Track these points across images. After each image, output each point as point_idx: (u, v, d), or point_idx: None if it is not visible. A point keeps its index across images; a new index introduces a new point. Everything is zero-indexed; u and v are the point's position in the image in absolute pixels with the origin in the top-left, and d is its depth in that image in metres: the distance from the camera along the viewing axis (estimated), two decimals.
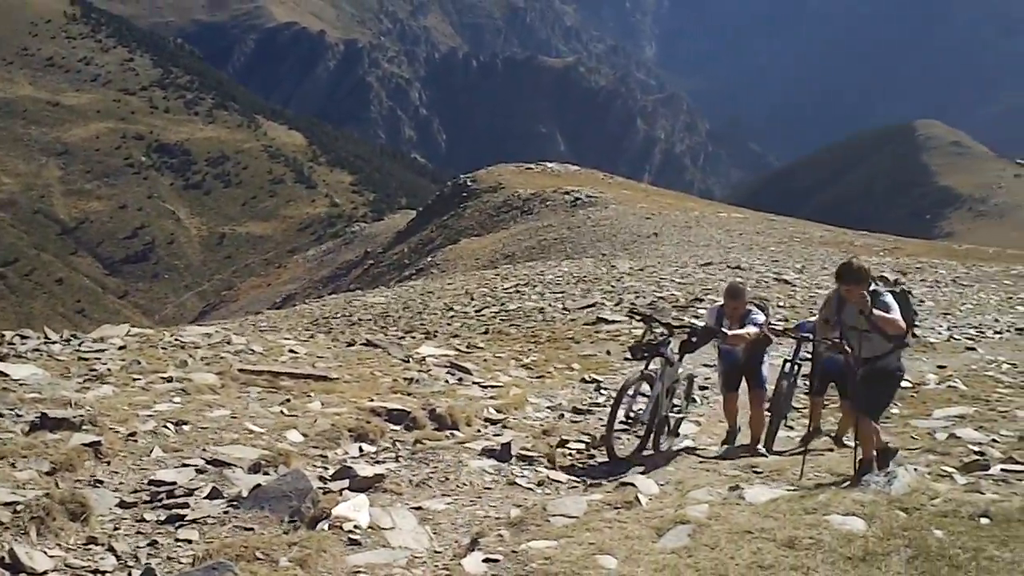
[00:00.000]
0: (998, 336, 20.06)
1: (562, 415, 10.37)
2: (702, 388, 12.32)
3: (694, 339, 9.05)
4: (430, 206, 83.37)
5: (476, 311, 24.09)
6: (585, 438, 9.05)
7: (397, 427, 8.54)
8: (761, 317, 9.51)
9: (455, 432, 8.71)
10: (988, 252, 53.74)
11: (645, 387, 8.79)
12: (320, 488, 6.20)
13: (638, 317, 9.44)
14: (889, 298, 7.89)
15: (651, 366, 8.76)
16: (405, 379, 11.67)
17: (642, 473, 7.64)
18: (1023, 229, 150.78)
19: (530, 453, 8.00)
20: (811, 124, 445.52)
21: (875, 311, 7.60)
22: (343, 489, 6.33)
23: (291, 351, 12.97)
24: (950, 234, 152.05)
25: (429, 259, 55.92)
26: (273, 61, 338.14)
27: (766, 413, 10.15)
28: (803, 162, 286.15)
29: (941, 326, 21.47)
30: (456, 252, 54.10)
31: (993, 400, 12.78)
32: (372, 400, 9.45)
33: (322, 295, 57.41)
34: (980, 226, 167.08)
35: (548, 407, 10.78)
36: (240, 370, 10.43)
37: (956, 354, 17.43)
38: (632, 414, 8.73)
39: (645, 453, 8.73)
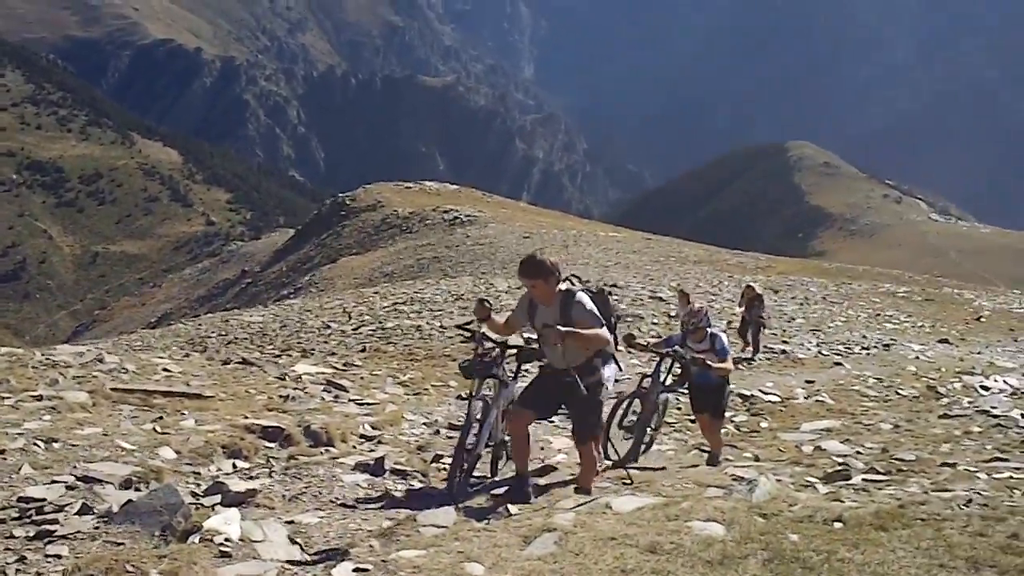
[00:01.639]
0: (865, 352, 20.82)
1: (438, 431, 10.46)
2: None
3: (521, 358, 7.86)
4: (308, 225, 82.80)
5: (354, 329, 24.06)
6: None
7: (271, 444, 8.54)
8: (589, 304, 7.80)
9: (330, 448, 8.75)
10: (858, 270, 55.65)
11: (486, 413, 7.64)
12: (192, 503, 6.22)
13: (466, 332, 8.29)
14: (585, 298, 7.00)
15: (484, 390, 7.73)
16: (280, 397, 11.63)
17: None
18: (892, 248, 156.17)
19: (404, 468, 8.12)
20: (684, 142, 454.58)
21: (570, 332, 6.66)
22: (215, 504, 6.35)
23: (165, 370, 12.81)
24: (822, 252, 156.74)
25: (308, 278, 55.49)
26: (148, 78, 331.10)
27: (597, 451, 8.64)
28: (678, 181, 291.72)
29: (810, 342, 22.21)
30: (335, 271, 53.80)
31: (859, 413, 13.34)
32: (247, 417, 9.43)
33: (198, 314, 56.46)
34: (850, 244, 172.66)
35: (424, 423, 10.86)
36: (112, 388, 10.30)
37: (824, 369, 18.07)
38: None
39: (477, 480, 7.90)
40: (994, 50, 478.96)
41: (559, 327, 6.77)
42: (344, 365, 16.68)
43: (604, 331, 7.06)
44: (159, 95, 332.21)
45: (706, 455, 10.52)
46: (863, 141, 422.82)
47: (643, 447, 10.27)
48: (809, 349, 21.03)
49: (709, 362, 9.72)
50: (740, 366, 18.60)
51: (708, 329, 10.17)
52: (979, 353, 21.38)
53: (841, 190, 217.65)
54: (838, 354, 20.29)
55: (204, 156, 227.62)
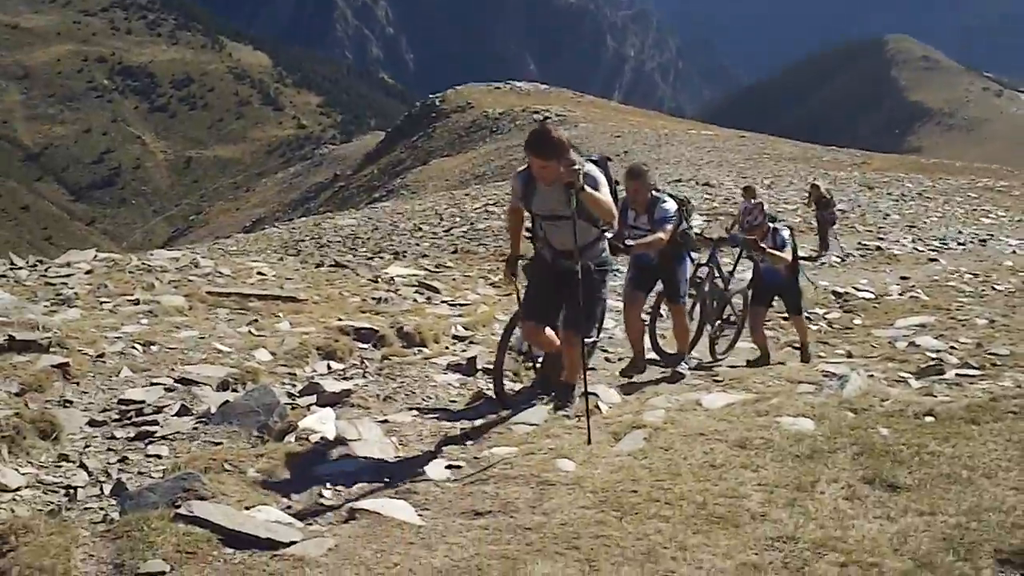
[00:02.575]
0: (961, 248, 20.43)
1: None
2: None
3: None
4: (399, 127, 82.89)
5: (445, 231, 24.16)
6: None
7: (365, 345, 8.62)
8: (672, 206, 7.92)
9: (423, 349, 8.80)
10: (955, 166, 54.07)
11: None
12: (288, 404, 6.30)
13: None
14: (596, 171, 6.18)
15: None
16: (373, 299, 11.75)
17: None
18: (991, 143, 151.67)
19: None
20: (780, 38, 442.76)
21: (587, 188, 5.86)
22: (311, 404, 6.43)
23: (259, 273, 12.99)
24: (919, 148, 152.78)
25: (399, 180, 55.75)
26: None
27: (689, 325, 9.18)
28: (774, 79, 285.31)
29: (906, 238, 21.83)
30: (426, 173, 53.95)
31: (954, 309, 13.07)
32: (340, 320, 9.53)
33: (292, 218, 57.24)
34: (949, 140, 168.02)
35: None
36: (208, 292, 10.48)
37: (919, 265, 17.76)
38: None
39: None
40: None
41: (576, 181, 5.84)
42: (436, 267, 16.77)
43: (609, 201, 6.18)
44: None
45: (798, 351, 10.41)
46: (967, 35, 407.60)
47: (719, 343, 10.14)
48: (904, 245, 20.67)
49: (763, 245, 9.35)
50: (818, 263, 18.41)
51: (770, 225, 9.59)
52: None
53: (940, 85, 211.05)
54: (934, 250, 19.94)
55: (294, 59, 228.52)
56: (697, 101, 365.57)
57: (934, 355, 9.83)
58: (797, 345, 10.49)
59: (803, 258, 17.18)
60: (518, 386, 7.30)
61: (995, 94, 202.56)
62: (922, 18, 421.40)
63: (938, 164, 55.27)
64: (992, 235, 22.57)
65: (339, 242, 24.88)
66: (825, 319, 13.01)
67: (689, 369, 8.56)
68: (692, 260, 8.70)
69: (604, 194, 6.02)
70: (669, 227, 7.70)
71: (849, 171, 41.41)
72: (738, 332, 10.45)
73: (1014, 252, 19.40)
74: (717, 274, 10.19)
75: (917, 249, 20.16)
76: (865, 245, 20.40)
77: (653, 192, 7.98)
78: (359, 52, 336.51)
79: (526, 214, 6.49)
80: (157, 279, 11.34)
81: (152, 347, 7.50)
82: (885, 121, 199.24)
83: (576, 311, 6.23)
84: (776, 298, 10.17)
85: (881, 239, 21.52)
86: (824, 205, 20.12)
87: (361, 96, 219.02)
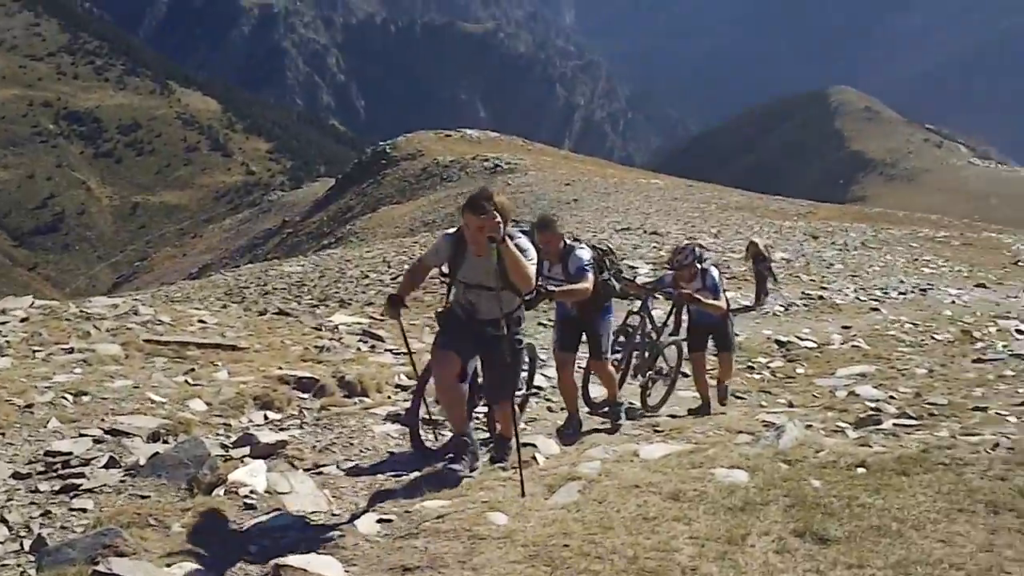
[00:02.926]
0: (902, 297, 20.75)
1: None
2: None
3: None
4: (349, 174, 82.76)
5: (392, 279, 24.05)
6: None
7: (304, 395, 8.54)
8: (587, 255, 7.74)
9: (364, 399, 8.72)
10: (898, 216, 55.04)
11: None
12: (221, 456, 6.21)
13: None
14: (526, 241, 6.12)
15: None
16: (316, 347, 11.65)
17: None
18: (932, 193, 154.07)
19: (436, 417, 8.05)
20: (727, 89, 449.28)
21: (507, 241, 5.73)
22: (244, 456, 6.34)
23: (201, 321, 12.84)
24: (863, 198, 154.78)
25: (348, 227, 55.54)
26: (186, 26, 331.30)
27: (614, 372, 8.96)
28: (720, 128, 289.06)
29: (848, 288, 22.11)
30: (375, 220, 53.82)
31: (894, 359, 13.25)
32: (280, 369, 9.44)
33: (238, 265, 56.79)
34: (891, 190, 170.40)
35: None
36: (146, 340, 10.33)
37: (861, 315, 17.99)
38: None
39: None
40: None
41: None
42: (382, 315, 16.68)
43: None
44: (197, 43, 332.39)
45: (738, 399, 10.48)
46: (906, 87, 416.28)
47: (651, 395, 9.91)
48: (847, 295, 20.95)
49: (698, 296, 9.35)
50: (754, 312, 18.57)
51: (699, 265, 9.62)
52: (1015, 297, 21.38)
53: (882, 135, 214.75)
54: (875, 299, 20.23)
55: (243, 105, 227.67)
56: (646, 150, 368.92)
57: (873, 405, 9.99)
58: (740, 395, 10.55)
59: (739, 309, 17.38)
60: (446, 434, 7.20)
61: (935, 145, 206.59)
62: (862, 70, 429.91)
63: (881, 214, 56.25)
64: (932, 285, 22.94)
65: (284, 289, 24.70)
66: (768, 368, 13.12)
67: (625, 418, 8.62)
68: (612, 312, 8.57)
69: (528, 259, 5.90)
70: (589, 276, 7.58)
71: (795, 220, 41.96)
72: (672, 384, 10.33)
73: (953, 302, 19.72)
74: (649, 324, 10.06)
75: (859, 299, 20.43)
76: (808, 294, 20.63)
77: (566, 241, 7.90)
78: (310, 99, 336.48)
79: (435, 276, 6.49)
80: (95, 327, 11.17)
81: (84, 397, 7.37)
82: (829, 171, 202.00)
83: (499, 377, 6.26)
84: (711, 337, 10.21)
85: (824, 288, 21.78)
86: (760, 260, 20.18)
87: (311, 142, 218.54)
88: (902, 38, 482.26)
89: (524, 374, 7.45)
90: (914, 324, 16.28)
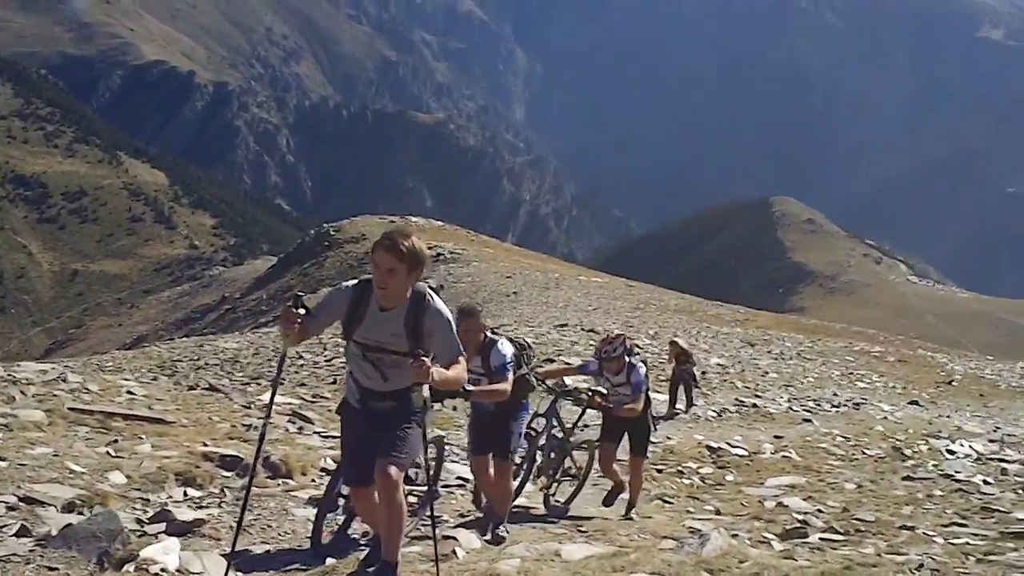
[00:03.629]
0: (835, 410, 20.92)
1: None
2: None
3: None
4: (291, 253, 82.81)
5: (327, 360, 23.99)
6: (419, 492, 8.64)
7: (228, 473, 8.44)
8: (509, 351, 7.40)
9: (288, 480, 8.65)
10: (835, 328, 55.93)
11: None
12: (136, 531, 6.12)
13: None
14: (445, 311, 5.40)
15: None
16: (244, 426, 11.52)
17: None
18: (870, 308, 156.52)
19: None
20: (672, 193, 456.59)
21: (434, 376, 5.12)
22: (160, 532, 6.25)
23: (129, 392, 12.69)
24: (801, 308, 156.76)
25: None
26: (140, 98, 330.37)
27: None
28: (663, 230, 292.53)
29: (782, 397, 22.27)
30: (315, 301, 53.54)
31: (824, 471, 13.26)
32: (206, 445, 9.33)
33: (174, 338, 56.14)
34: (830, 302, 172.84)
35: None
36: (71, 408, 10.18)
37: (793, 425, 18.08)
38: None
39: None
40: (978, 117, 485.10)
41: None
42: (313, 396, 16.57)
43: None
44: (149, 116, 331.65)
45: (665, 503, 10.42)
46: (848, 203, 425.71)
47: (556, 496, 9.57)
48: (780, 404, 21.08)
49: (609, 403, 9.11)
50: (686, 416, 18.58)
51: (627, 359, 9.38)
52: (948, 417, 21.52)
53: (823, 247, 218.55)
54: (808, 411, 20.36)
55: (191, 179, 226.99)
56: (588, 247, 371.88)
57: (800, 517, 9.93)
58: (669, 499, 10.52)
59: (657, 417, 17.36)
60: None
61: (875, 260, 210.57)
62: (806, 180, 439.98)
63: (818, 325, 57.13)
64: (866, 399, 23.19)
65: (217, 365, 24.50)
66: (698, 473, 13.10)
67: (506, 532, 7.72)
68: (528, 410, 8.19)
69: (457, 368, 5.31)
70: (510, 375, 7.14)
71: (732, 327, 42.46)
72: (580, 486, 10.01)
73: (886, 418, 19.81)
74: (556, 424, 9.66)
75: (792, 408, 20.59)
76: (742, 401, 20.75)
77: (488, 334, 7.53)
78: (258, 177, 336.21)
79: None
80: (21, 392, 10.99)
81: (1, 463, 7.23)
82: (769, 279, 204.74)
83: (392, 447, 5.30)
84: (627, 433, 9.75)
85: (758, 396, 21.94)
86: (682, 362, 19.66)
87: (256, 221, 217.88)
88: (848, 153, 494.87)
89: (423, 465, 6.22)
90: (845, 438, 16.37)
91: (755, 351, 32.12)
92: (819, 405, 21.48)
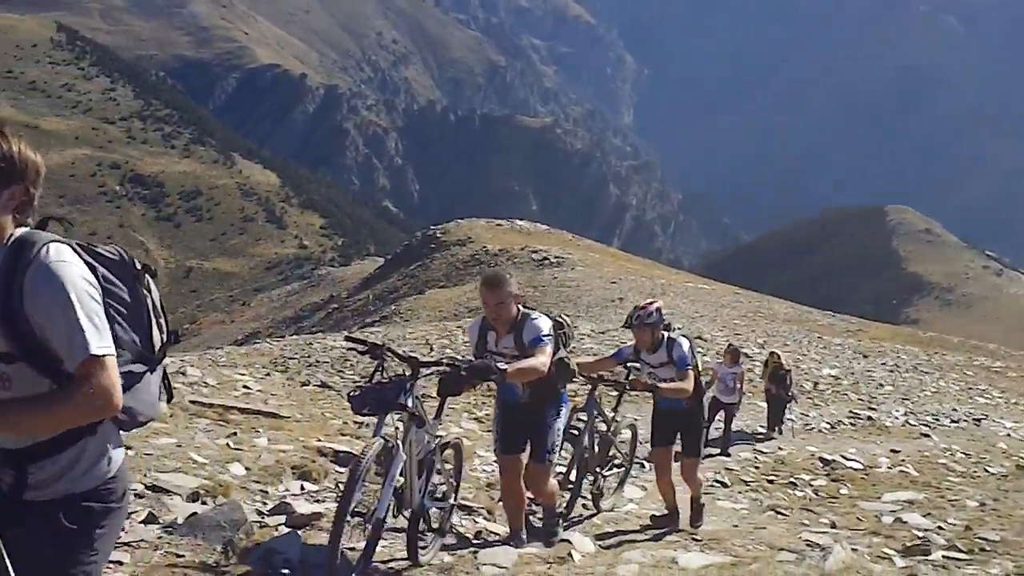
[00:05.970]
0: (954, 425, 20.30)
1: None
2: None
3: (459, 375, 5.71)
4: (398, 255, 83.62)
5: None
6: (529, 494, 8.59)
7: (342, 469, 8.54)
8: (546, 325, 6.28)
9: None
10: (952, 341, 54.25)
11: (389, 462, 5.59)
12: (256, 521, 6.23)
13: (361, 347, 6.19)
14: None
15: (385, 428, 5.91)
16: (356, 423, 11.69)
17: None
18: (989, 322, 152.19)
19: (471, 504, 8.04)
20: (782, 201, 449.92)
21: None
22: (279, 524, 6.36)
23: (245, 387, 12.98)
24: (916, 321, 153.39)
25: (393, 307, 55.89)
26: (253, 101, 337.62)
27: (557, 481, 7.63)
28: (773, 237, 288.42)
29: (898, 411, 21.75)
30: (420, 302, 54.12)
31: (943, 488, 12.80)
32: (320, 440, 9.47)
33: (284, 335, 57.17)
34: (946, 315, 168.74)
35: (494, 461, 10.75)
36: (191, 401, 10.46)
37: (911, 439, 17.59)
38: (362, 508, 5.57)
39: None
40: None
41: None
42: (421, 396, 16.69)
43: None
44: (262, 118, 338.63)
45: (778, 514, 10.19)
46: (967, 213, 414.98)
47: (604, 493, 9.11)
48: (896, 418, 20.59)
49: (656, 384, 7.91)
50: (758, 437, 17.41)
51: (664, 334, 8.22)
52: None
53: (940, 259, 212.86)
54: (926, 425, 19.81)
55: (301, 181, 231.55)
56: (695, 253, 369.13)
57: (921, 534, 9.59)
58: (783, 511, 10.32)
59: (756, 435, 16.90)
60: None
61: (995, 273, 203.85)
62: (923, 190, 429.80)
63: (935, 338, 55.47)
64: (987, 415, 22.43)
65: (328, 363, 24.82)
66: (811, 485, 12.80)
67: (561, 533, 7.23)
68: (567, 403, 6.96)
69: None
70: (548, 348, 6.10)
71: (844, 337, 41.60)
72: (626, 472, 9.59)
73: (1009, 435, 19.14)
74: (599, 415, 8.87)
75: (909, 422, 20.06)
76: (856, 414, 20.32)
77: (521, 308, 6.41)
78: (366, 179, 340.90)
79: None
80: None
81: (128, 451, 7.42)
82: (883, 290, 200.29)
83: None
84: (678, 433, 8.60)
85: (873, 409, 21.46)
86: (780, 378, 17.86)
87: (363, 222, 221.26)
88: (968, 161, 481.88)
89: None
90: (966, 454, 15.85)
91: (868, 363, 31.41)
92: (937, 420, 20.86)
